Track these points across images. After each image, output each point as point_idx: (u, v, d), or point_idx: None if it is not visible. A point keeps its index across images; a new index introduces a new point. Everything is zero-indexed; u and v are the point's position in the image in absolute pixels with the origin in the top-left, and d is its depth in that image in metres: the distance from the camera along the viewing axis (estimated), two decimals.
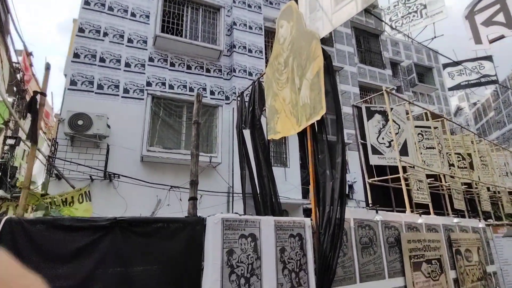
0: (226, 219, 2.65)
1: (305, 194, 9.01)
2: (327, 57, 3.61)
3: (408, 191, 5.70)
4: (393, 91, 8.54)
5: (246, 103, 5.20)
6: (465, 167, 8.60)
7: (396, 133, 6.35)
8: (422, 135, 7.61)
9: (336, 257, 3.06)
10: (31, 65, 8.58)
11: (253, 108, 4.90)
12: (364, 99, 7.25)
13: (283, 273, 2.87)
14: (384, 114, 6.60)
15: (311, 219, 3.33)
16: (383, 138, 6.49)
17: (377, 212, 3.99)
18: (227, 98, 8.62)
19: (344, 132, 3.54)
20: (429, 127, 7.77)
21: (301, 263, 3.03)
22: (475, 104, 23.66)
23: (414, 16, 21.06)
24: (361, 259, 3.66)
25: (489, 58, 22.60)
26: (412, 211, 5.34)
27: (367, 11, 15.23)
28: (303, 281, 2.99)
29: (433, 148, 7.53)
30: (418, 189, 5.67)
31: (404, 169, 5.85)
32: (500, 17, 2.79)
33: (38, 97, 2.56)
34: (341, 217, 3.18)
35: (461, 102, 32.53)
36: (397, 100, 12.01)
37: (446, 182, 6.79)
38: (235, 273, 2.59)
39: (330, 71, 3.61)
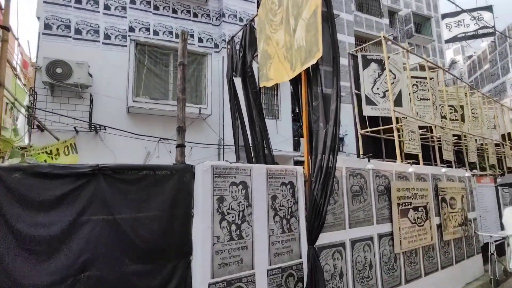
0: (216, 167, 2.55)
1: (296, 147, 9.01)
2: None
3: (399, 142, 5.70)
4: (392, 38, 8.16)
5: (237, 49, 4.86)
6: (457, 119, 8.62)
7: (392, 83, 6.16)
8: (417, 86, 7.45)
9: (327, 204, 3.05)
10: None
11: (244, 54, 4.59)
12: (360, 46, 6.91)
13: (274, 219, 2.86)
14: (380, 63, 6.34)
15: (303, 168, 3.27)
16: (377, 88, 6.31)
17: (369, 161, 3.96)
18: (216, 46, 8.13)
19: (339, 82, 3.34)
20: (425, 78, 7.59)
21: (292, 210, 3.03)
22: (470, 57, 23.22)
23: None
24: (351, 206, 3.70)
25: (489, 8, 21.70)
26: (402, 162, 5.38)
27: None
28: (294, 227, 3.01)
29: (427, 99, 7.43)
30: (410, 140, 5.66)
31: (397, 120, 5.78)
32: None
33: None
34: (333, 165, 3.12)
35: (456, 55, 31.94)
36: (393, 51, 11.60)
37: (437, 133, 6.80)
38: (226, 219, 2.55)
39: (329, 16, 3.30)
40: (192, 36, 7.96)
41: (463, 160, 7.97)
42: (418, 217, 4.69)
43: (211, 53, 7.63)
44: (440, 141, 6.73)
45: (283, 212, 2.95)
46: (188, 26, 7.94)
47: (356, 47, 11.91)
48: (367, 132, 6.07)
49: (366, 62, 6.30)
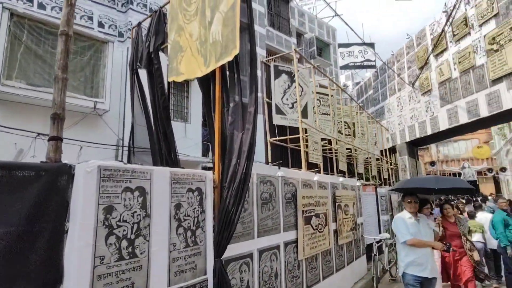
0: (104, 168, 2.02)
1: (205, 152, 8.66)
2: None
3: (304, 152, 5.97)
4: (299, 56, 8.70)
5: (144, 37, 4.29)
6: (349, 135, 9.69)
7: (300, 95, 6.46)
8: (320, 101, 8.06)
9: (239, 212, 2.82)
10: None
11: (152, 43, 4.06)
12: (273, 57, 7.09)
13: (178, 231, 2.46)
14: (290, 75, 6.60)
15: (213, 173, 2.96)
16: (287, 99, 6.53)
17: (279, 168, 3.92)
18: (120, 34, 7.22)
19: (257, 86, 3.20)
20: (327, 95, 8.28)
21: (199, 220, 2.67)
22: (358, 83, 27.06)
23: None
24: (261, 215, 3.56)
25: (372, 45, 25.84)
26: (306, 170, 5.62)
27: None
28: (200, 239, 2.66)
29: (328, 114, 8.10)
30: (313, 150, 5.97)
31: (303, 130, 6.06)
32: None
33: None
34: (247, 171, 2.91)
35: (347, 81, 36.88)
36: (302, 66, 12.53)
37: (335, 146, 7.45)
38: (115, 234, 2.04)
39: (247, 9, 3.13)
40: (91, 18, 6.88)
41: (353, 171, 8.96)
42: (319, 224, 4.90)
43: (114, 41, 6.71)
44: (337, 153, 7.38)
45: (189, 223, 2.57)
46: (86, 7, 6.83)
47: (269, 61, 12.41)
48: (275, 140, 6.17)
49: (278, 73, 6.47)
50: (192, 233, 2.60)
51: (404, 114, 12.84)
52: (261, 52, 12.86)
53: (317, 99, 8.02)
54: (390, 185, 12.50)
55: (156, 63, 4.10)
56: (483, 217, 6.71)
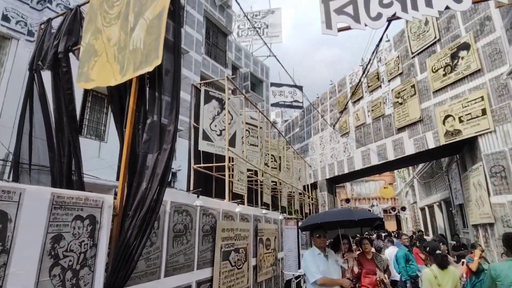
0: None
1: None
2: (174, 1, 2.90)
3: (229, 181, 5.72)
4: (232, 87, 8.74)
5: (53, 35, 3.69)
6: (275, 168, 9.84)
7: (229, 123, 6.33)
8: (249, 132, 8.06)
9: (142, 247, 2.36)
10: None
11: (60, 43, 3.50)
12: (204, 81, 6.92)
13: (51, 273, 1.89)
14: (221, 102, 6.47)
15: (115, 198, 2.48)
16: (215, 126, 6.33)
17: (198, 197, 3.57)
18: (30, 33, 6.26)
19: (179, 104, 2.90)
20: (256, 127, 8.35)
21: (86, 256, 2.13)
22: (286, 121, 28.62)
23: (258, 31, 23.38)
24: (171, 249, 3.10)
25: (300, 88, 28.05)
26: (229, 201, 5.34)
27: (222, 6, 15.48)
28: (85, 281, 2.10)
29: (256, 145, 8.12)
30: (238, 180, 5.77)
31: (229, 159, 5.86)
32: (350, 9, 2.99)
33: None
34: (159, 198, 2.51)
35: (277, 117, 38.82)
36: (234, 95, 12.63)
37: (262, 177, 7.40)
38: None
39: (175, 18, 2.91)
40: None
41: (277, 204, 8.99)
42: (238, 259, 4.57)
43: (19, 38, 5.77)
44: (262, 185, 7.31)
45: (70, 260, 2.02)
46: None
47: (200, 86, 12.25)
48: (200, 167, 5.82)
49: (208, 98, 6.28)
50: (74, 273, 2.04)
51: (325, 153, 13.76)
52: (195, 78, 12.68)
53: (246, 130, 8.01)
54: None
55: (65, 66, 3.51)
56: (390, 252, 7.22)
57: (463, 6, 3.02)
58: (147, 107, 2.88)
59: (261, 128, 8.54)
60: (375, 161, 10.59)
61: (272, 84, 27.72)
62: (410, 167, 21.08)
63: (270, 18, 23.31)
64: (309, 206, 13.36)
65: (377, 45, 8.42)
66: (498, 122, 6.79)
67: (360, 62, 11.86)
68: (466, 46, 7.63)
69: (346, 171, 12.19)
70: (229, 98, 6.26)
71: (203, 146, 6.07)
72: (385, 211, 27.34)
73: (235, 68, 18.86)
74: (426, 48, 8.83)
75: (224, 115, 6.27)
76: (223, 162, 5.62)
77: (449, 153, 9.19)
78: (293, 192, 11.01)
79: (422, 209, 19.18)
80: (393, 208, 25.68)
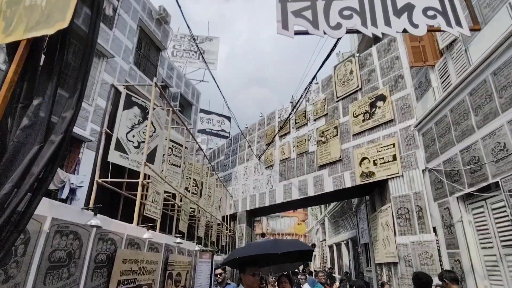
0: None
1: None
2: None
3: (141, 204, 4.84)
4: (159, 92, 7.96)
5: None
6: (196, 194, 9.08)
7: (150, 136, 5.55)
8: (172, 150, 7.30)
9: None
10: None
11: None
12: (128, 84, 6.07)
13: None
14: (144, 110, 5.68)
15: None
16: (133, 136, 5.46)
17: (95, 215, 2.72)
18: None
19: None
20: (181, 146, 7.65)
21: None
22: (211, 148, 28.05)
23: (193, 55, 23.09)
24: (41, 287, 2.18)
25: (229, 118, 28.28)
26: (138, 225, 4.44)
27: (159, 21, 14.82)
28: None
29: (178, 166, 7.36)
30: (153, 201, 4.93)
31: (145, 176, 5.02)
32: (308, 14, 2.80)
33: None
34: (28, 210, 1.71)
35: (202, 144, 37.90)
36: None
37: (180, 202, 6.60)
38: None
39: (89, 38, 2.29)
40: None
41: (193, 234, 8.14)
42: None
43: None
44: (180, 210, 6.51)
45: None
46: None
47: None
48: (106, 181, 4.81)
49: (130, 103, 5.44)
50: None
51: (248, 184, 13.54)
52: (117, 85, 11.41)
53: (170, 147, 7.25)
54: (226, 253, 12.19)
55: None
56: None
57: (419, 32, 3.15)
58: (37, 83, 2.10)
59: (186, 148, 7.85)
60: (296, 195, 10.72)
61: (201, 110, 27.22)
62: (323, 206, 22.41)
63: (207, 45, 23.38)
64: (226, 238, 12.67)
65: (310, 83, 8.81)
66: (405, 168, 7.52)
67: (290, 99, 12.37)
68: (382, 97, 8.52)
69: (267, 204, 12.05)
70: (154, 108, 5.54)
71: (115, 157, 5.11)
72: None
73: (165, 87, 17.91)
74: (349, 95, 9.62)
75: (146, 125, 5.49)
76: (136, 179, 4.75)
77: (362, 194, 9.87)
78: (212, 222, 10.27)
79: (331, 247, 20.17)
80: (313, 245, 26.60)
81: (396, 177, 7.63)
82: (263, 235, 27.53)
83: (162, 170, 6.25)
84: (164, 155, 6.51)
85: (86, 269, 2.71)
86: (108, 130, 5.14)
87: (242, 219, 13.54)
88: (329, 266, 19.88)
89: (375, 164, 8.22)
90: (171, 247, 4.97)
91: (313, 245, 24.51)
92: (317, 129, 10.56)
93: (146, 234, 3.86)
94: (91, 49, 2.29)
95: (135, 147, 5.50)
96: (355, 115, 9.20)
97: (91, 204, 4.18)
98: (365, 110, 8.92)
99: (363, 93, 9.21)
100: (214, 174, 11.70)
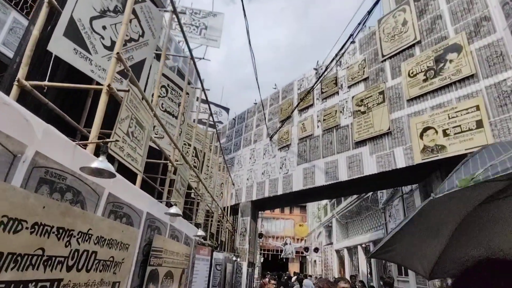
0: None
1: None
2: None
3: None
4: None
5: None
6: (196, 166, 6.73)
7: (136, 39, 3.21)
8: (168, 90, 4.98)
9: None
10: None
11: None
12: None
13: None
14: None
15: None
16: (104, 28, 3.11)
17: None
18: None
19: None
20: (180, 88, 5.32)
21: None
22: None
23: (194, 30, 20.74)
24: None
25: (227, 109, 25.99)
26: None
27: None
28: None
29: (174, 116, 5.03)
30: (127, 134, 2.58)
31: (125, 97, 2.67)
32: None
33: None
34: None
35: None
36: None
37: (176, 162, 4.24)
38: None
39: None
40: None
41: (191, 217, 5.77)
42: None
43: None
44: (175, 169, 4.13)
45: None
46: None
47: None
48: (36, 85, 2.45)
49: None
50: None
51: (256, 169, 11.20)
52: None
53: (164, 86, 4.92)
54: (225, 250, 9.79)
55: None
56: None
57: None
58: None
59: (187, 95, 5.50)
60: (321, 181, 8.42)
61: (197, 99, 24.90)
62: (329, 206, 20.14)
63: (210, 21, 21.01)
64: (227, 234, 10.28)
65: (352, 38, 6.63)
66: (498, 137, 5.30)
67: (315, 65, 10.12)
68: (456, 48, 6.33)
69: (279, 192, 9.73)
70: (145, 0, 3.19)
71: (65, 50, 2.74)
72: (297, 251, 25.67)
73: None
74: (402, 51, 7.42)
75: (126, 18, 3.13)
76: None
77: (415, 179, 7.59)
78: (212, 211, 7.90)
79: (338, 252, 17.88)
80: (306, 249, 24.17)
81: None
82: (260, 235, 25.15)
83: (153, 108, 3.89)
84: (153, 95, 4.15)
85: None
86: (56, 4, 2.76)
87: (246, 211, 11.17)
88: (335, 273, 17.56)
89: (445, 134, 5.99)
90: (156, 219, 2.62)
91: (316, 249, 22.19)
92: (353, 97, 8.32)
93: (111, 182, 1.51)
94: None
95: (106, 48, 3.14)
96: (411, 75, 6.98)
97: None
98: (428, 66, 6.71)
99: (424, 46, 7.01)
100: (218, 148, 9.34)
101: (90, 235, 1.60)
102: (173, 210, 2.75)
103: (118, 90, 2.51)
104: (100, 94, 2.37)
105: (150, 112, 3.14)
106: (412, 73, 6.98)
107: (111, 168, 1.48)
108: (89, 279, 1.62)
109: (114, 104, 2.72)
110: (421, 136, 6.37)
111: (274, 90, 11.80)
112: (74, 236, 1.47)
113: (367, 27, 9.25)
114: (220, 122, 26.28)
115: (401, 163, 6.61)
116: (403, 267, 9.27)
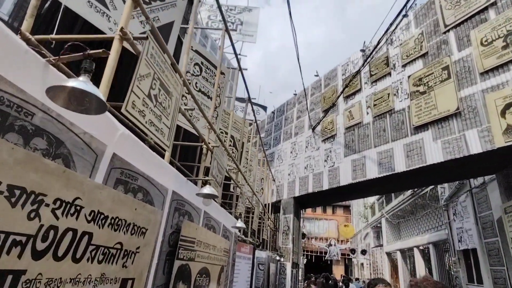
0: None
1: None
2: None
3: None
4: None
5: None
6: (234, 153, 6.23)
7: None
8: (200, 69, 4.50)
9: None
10: None
11: None
12: None
13: None
14: None
15: None
16: None
17: None
18: None
19: None
20: (215, 67, 4.83)
21: None
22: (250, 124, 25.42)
23: (229, 26, 20.54)
24: None
25: (264, 108, 25.48)
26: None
27: None
28: None
29: (209, 97, 4.54)
30: (148, 95, 2.07)
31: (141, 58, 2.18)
32: None
33: None
34: None
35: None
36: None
37: (214, 143, 3.74)
38: None
39: None
40: None
41: (228, 207, 5.25)
42: None
43: None
44: (211, 151, 3.61)
45: None
46: None
47: None
48: (41, 39, 2.02)
49: None
50: None
51: (298, 163, 10.47)
52: None
53: (197, 64, 4.45)
54: (269, 249, 9.20)
55: None
56: None
57: None
58: None
59: (223, 75, 5.00)
60: (373, 173, 7.48)
61: (237, 99, 24.75)
62: (376, 205, 18.67)
63: (246, 16, 20.70)
64: (269, 232, 9.68)
65: (404, 11, 5.67)
66: None
67: (362, 46, 9.17)
68: None
69: (325, 187, 8.90)
70: None
71: (77, 1, 2.32)
72: (342, 253, 24.32)
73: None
74: (471, 17, 6.28)
75: None
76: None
77: (491, 170, 6.35)
78: (253, 207, 7.34)
79: (389, 254, 16.43)
80: (353, 251, 22.76)
81: None
82: (303, 236, 24.24)
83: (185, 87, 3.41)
84: (188, 72, 3.69)
85: None
86: None
87: (288, 208, 10.48)
88: (386, 277, 16.13)
89: None
90: (187, 204, 2.08)
91: (364, 251, 20.75)
92: (409, 76, 7.28)
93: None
94: None
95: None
96: (484, 43, 5.84)
97: None
98: (508, 30, 5.54)
99: (501, 8, 5.83)
100: (257, 141, 8.79)
101: (78, 207, 1.07)
102: (207, 190, 2.20)
103: (135, 38, 2.01)
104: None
105: (178, 78, 2.62)
106: (486, 41, 5.83)
107: (96, 91, 0.93)
108: (79, 272, 1.08)
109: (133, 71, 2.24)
110: (503, 114, 5.24)
111: (316, 78, 10.98)
112: (47, 205, 0.94)
113: None
114: (259, 121, 25.82)
115: (476, 148, 5.51)
116: (475, 273, 7.97)
